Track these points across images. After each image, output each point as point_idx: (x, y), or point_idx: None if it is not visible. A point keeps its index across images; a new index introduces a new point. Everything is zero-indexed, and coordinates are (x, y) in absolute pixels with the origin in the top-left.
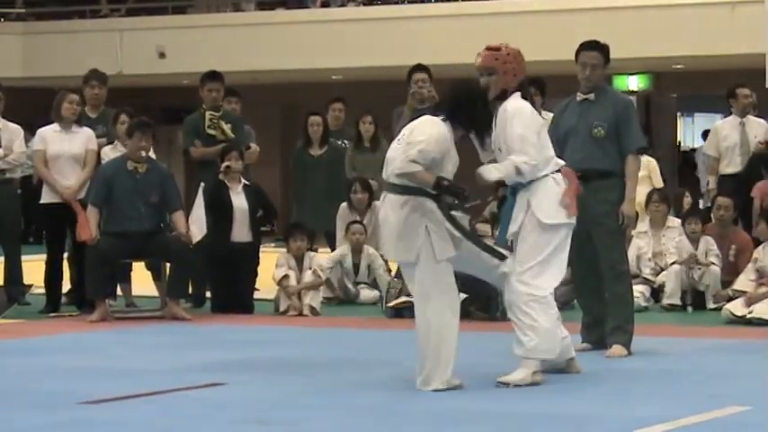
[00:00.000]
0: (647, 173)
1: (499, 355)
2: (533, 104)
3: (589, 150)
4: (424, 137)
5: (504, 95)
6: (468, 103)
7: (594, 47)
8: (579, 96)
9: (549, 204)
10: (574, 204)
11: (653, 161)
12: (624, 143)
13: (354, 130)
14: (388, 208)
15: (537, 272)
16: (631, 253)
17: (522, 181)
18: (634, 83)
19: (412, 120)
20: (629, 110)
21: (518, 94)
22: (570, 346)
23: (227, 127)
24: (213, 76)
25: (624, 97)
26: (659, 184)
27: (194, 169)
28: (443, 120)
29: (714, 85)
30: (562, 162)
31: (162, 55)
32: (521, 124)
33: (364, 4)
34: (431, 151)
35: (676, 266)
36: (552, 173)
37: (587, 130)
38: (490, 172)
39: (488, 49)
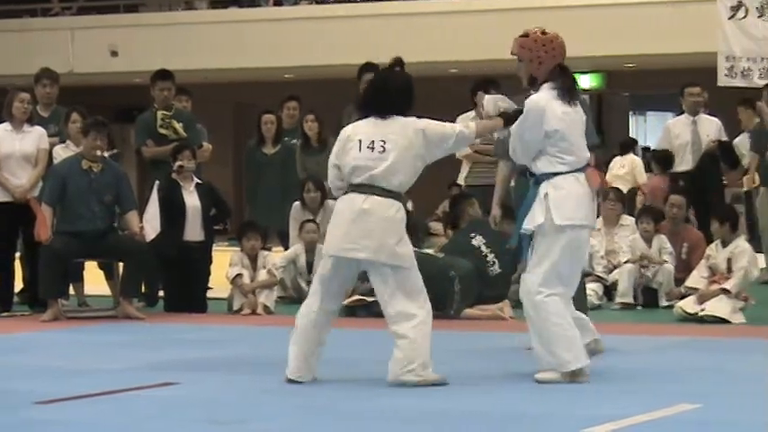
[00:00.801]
0: (629, 170)
1: (454, 353)
2: None
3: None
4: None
5: (533, 82)
6: (375, 94)
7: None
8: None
9: (566, 204)
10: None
11: (637, 159)
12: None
13: (300, 131)
14: (376, 207)
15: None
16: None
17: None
18: (586, 81)
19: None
20: (583, 107)
21: (547, 85)
22: (592, 329)
23: (179, 126)
24: (164, 75)
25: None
26: (643, 180)
27: (147, 168)
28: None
29: (666, 83)
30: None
31: (114, 53)
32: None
33: (317, 3)
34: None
35: (629, 265)
36: (576, 171)
37: None
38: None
39: (521, 35)
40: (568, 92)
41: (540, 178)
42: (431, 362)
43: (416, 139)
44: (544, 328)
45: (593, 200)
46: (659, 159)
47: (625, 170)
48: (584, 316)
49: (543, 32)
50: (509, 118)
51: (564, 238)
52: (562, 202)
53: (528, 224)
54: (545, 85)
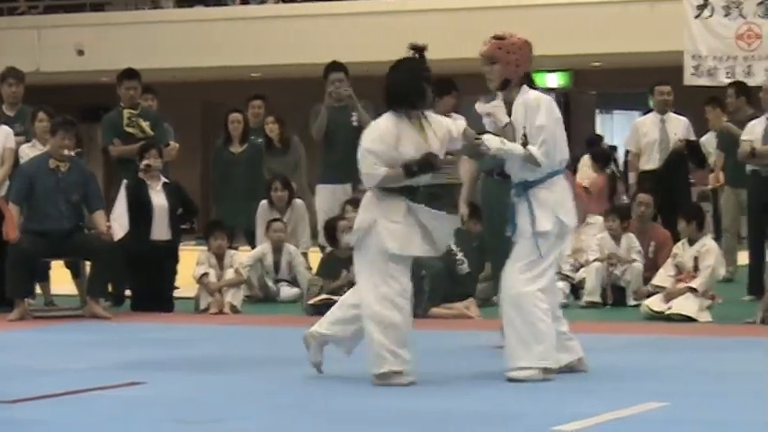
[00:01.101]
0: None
1: (421, 352)
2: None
3: None
4: (366, 143)
5: (506, 85)
6: (396, 84)
7: None
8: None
9: (550, 209)
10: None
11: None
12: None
13: (262, 133)
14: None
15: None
16: None
17: (527, 178)
18: (553, 80)
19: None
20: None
21: (525, 87)
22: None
23: (145, 125)
24: (130, 74)
25: (543, 93)
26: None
27: (113, 167)
28: (388, 111)
29: (633, 82)
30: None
31: (80, 52)
32: (545, 115)
33: (283, 2)
34: (378, 150)
35: (597, 263)
36: (560, 175)
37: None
38: (492, 142)
39: (494, 37)
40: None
41: (531, 183)
42: None
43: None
44: (528, 323)
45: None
46: (598, 157)
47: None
48: (572, 336)
49: (513, 36)
50: (414, 168)
51: (565, 241)
52: (563, 204)
53: (540, 227)
54: (524, 87)
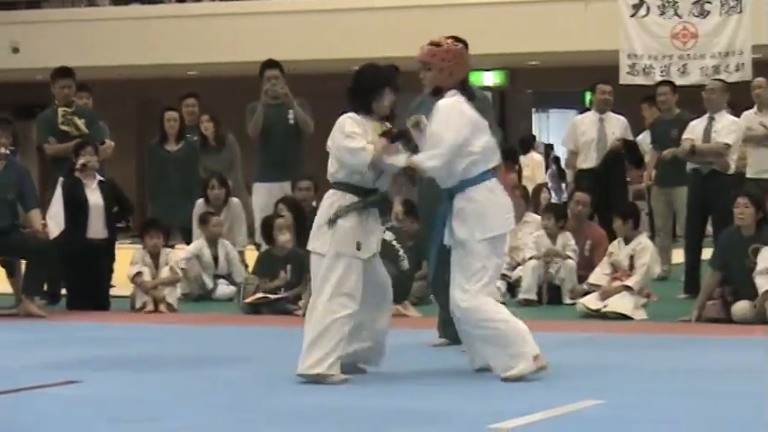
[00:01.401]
0: (532, 170)
1: None
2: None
3: None
4: (347, 129)
5: (438, 92)
6: (353, 91)
7: (456, 41)
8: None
9: (477, 218)
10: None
11: (538, 157)
12: None
13: (197, 132)
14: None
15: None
16: None
17: (447, 186)
18: (489, 79)
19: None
20: (486, 105)
21: (453, 92)
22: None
23: (81, 122)
24: (64, 72)
25: (480, 92)
26: (540, 179)
27: (48, 166)
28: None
29: (569, 81)
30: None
31: (15, 50)
32: (438, 122)
33: (220, 0)
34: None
35: (533, 261)
36: (488, 179)
37: None
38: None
39: (430, 43)
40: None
41: (453, 191)
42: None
43: None
44: (488, 336)
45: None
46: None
47: (528, 169)
48: None
49: (455, 42)
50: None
51: (498, 246)
52: (484, 213)
53: (460, 236)
54: (450, 92)
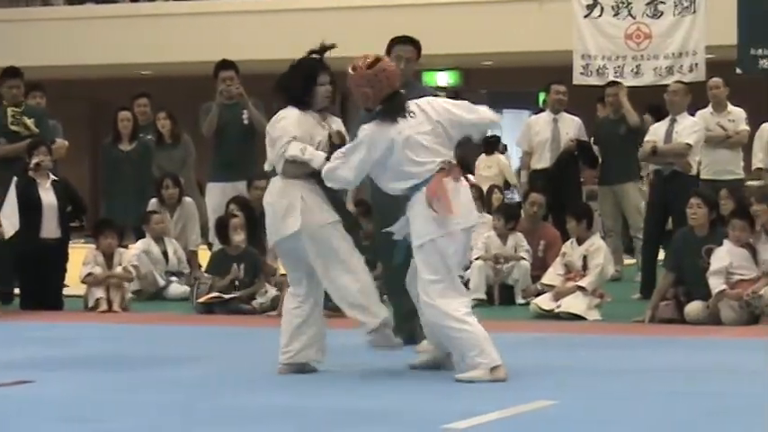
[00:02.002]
0: (498, 171)
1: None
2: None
3: None
4: (289, 130)
5: (370, 111)
6: (287, 84)
7: (409, 41)
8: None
9: (419, 223)
10: (445, 206)
11: (504, 159)
12: None
13: (154, 128)
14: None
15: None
16: None
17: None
18: (443, 79)
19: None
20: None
21: (377, 110)
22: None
23: (30, 122)
24: (12, 72)
25: (433, 92)
26: (513, 180)
27: None
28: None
29: (523, 81)
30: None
31: None
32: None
33: (174, 0)
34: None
35: (479, 262)
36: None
37: None
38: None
39: (351, 69)
40: (391, 113)
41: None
42: None
43: None
44: (450, 338)
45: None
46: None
47: (493, 170)
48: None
49: (370, 65)
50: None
51: (453, 242)
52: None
53: (416, 241)
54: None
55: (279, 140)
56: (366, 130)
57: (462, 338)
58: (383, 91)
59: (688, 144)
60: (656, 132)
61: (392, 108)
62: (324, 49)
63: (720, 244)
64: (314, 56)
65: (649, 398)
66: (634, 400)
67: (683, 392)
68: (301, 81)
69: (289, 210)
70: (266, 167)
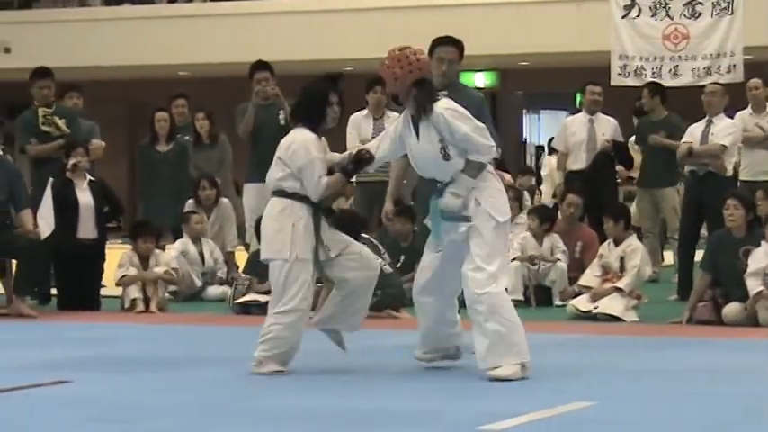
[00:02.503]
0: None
1: (351, 352)
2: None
3: None
4: (311, 152)
5: (396, 100)
6: (302, 105)
7: (451, 42)
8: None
9: (500, 200)
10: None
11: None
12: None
13: (192, 129)
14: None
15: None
16: None
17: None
18: (480, 80)
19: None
20: (482, 107)
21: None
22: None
23: (61, 122)
24: (43, 73)
25: (477, 94)
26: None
27: (33, 167)
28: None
29: (560, 82)
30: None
31: (7, 50)
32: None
33: (210, 0)
34: (318, 157)
35: (516, 263)
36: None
37: None
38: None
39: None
40: (418, 108)
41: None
42: None
43: None
44: (504, 320)
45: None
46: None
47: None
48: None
49: (401, 49)
50: (348, 172)
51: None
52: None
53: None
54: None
55: (312, 167)
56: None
57: (511, 329)
58: (413, 74)
59: (723, 145)
60: (692, 134)
61: (422, 94)
62: (337, 77)
63: (758, 245)
64: (326, 82)
65: (687, 399)
66: (672, 402)
67: (721, 394)
68: (316, 108)
69: (283, 235)
70: (277, 186)
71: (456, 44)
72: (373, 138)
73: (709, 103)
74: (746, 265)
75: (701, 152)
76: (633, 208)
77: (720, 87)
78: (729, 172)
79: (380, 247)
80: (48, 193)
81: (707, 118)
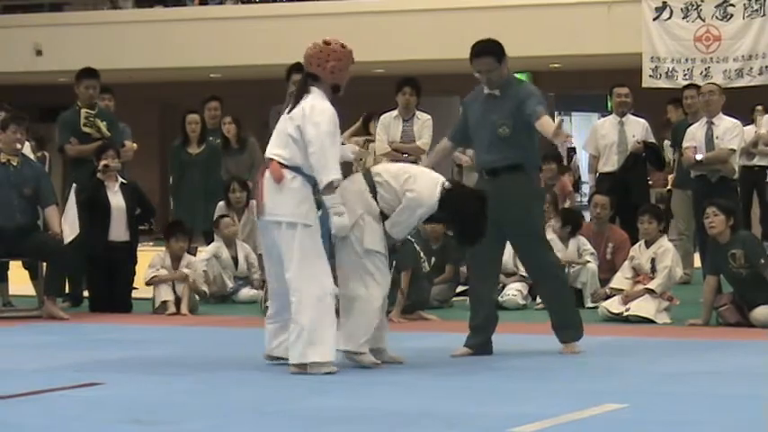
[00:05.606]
0: None
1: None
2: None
3: (497, 148)
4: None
5: (337, 90)
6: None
7: (483, 53)
8: (486, 90)
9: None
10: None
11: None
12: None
13: (219, 134)
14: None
15: None
16: (509, 251)
17: None
18: None
19: None
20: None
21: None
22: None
23: (103, 125)
24: (90, 73)
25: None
26: None
27: (68, 167)
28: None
29: (591, 84)
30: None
31: (39, 52)
32: None
33: (242, 2)
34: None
35: None
36: None
37: (492, 127)
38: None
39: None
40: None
41: None
42: None
43: None
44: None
45: None
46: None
47: None
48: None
49: (326, 42)
50: None
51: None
52: None
53: None
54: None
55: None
56: None
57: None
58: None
59: (732, 149)
60: (694, 136)
61: None
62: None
63: (743, 248)
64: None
65: (719, 401)
66: (704, 404)
67: (753, 395)
68: None
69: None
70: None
71: (489, 53)
72: (402, 139)
73: (707, 102)
74: (738, 268)
75: (711, 159)
76: None
77: (717, 87)
78: (737, 174)
79: (417, 247)
80: (72, 198)
81: (706, 119)
